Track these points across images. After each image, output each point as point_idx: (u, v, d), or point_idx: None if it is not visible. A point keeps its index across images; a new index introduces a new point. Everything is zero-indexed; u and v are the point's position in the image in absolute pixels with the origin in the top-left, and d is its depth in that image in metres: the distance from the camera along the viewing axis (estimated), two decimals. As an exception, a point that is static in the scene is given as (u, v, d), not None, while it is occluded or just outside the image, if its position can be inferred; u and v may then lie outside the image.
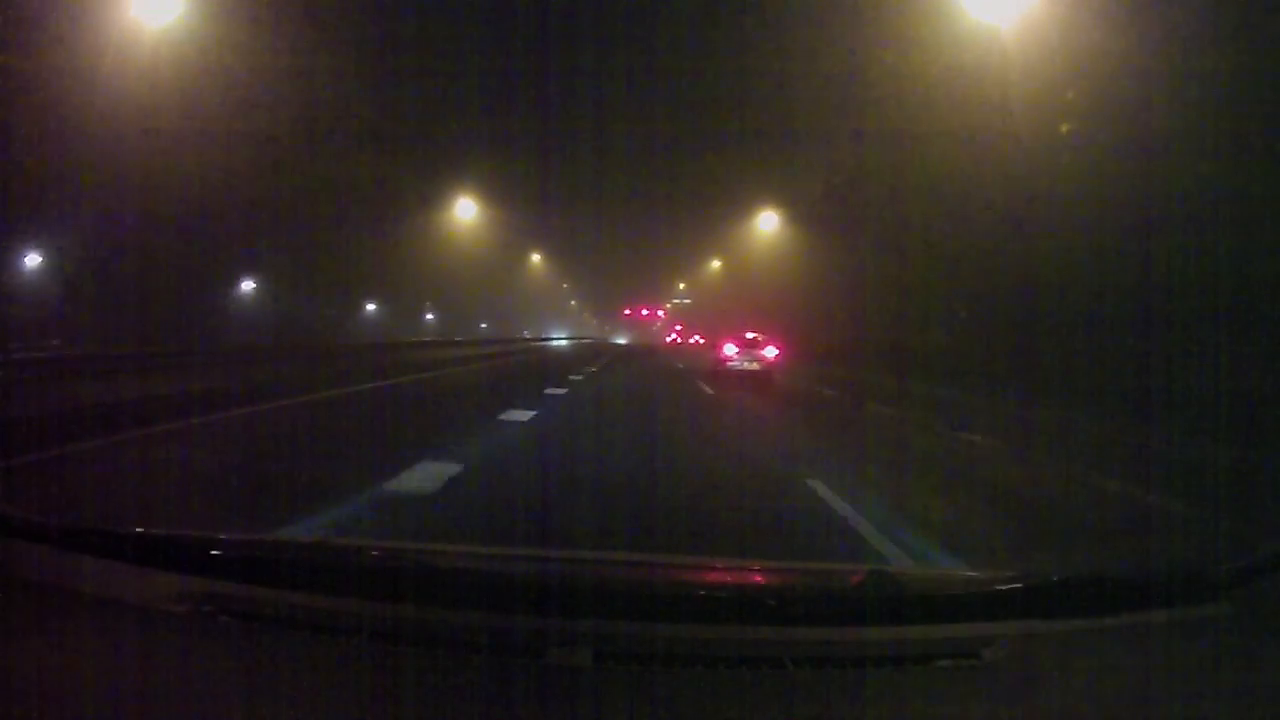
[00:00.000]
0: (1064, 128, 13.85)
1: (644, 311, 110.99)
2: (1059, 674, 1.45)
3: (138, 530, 1.87)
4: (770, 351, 22.20)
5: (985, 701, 1.39)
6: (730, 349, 22.35)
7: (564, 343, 69.00)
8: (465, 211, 47.67)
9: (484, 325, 72.44)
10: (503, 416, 10.31)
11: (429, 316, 61.78)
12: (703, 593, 1.73)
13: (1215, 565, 1.74)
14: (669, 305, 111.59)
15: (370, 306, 50.57)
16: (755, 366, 21.64)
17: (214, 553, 1.81)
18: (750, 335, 22.85)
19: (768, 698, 1.36)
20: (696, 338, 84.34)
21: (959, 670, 1.46)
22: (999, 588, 1.74)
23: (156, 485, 5.47)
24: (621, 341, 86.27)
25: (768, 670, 1.43)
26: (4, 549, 1.79)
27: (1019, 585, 1.72)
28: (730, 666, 1.43)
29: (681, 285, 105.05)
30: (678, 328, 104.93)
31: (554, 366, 24.72)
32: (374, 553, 2.05)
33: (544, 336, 77.03)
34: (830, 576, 2.09)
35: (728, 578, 1.98)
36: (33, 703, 1.30)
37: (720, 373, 21.68)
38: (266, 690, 1.35)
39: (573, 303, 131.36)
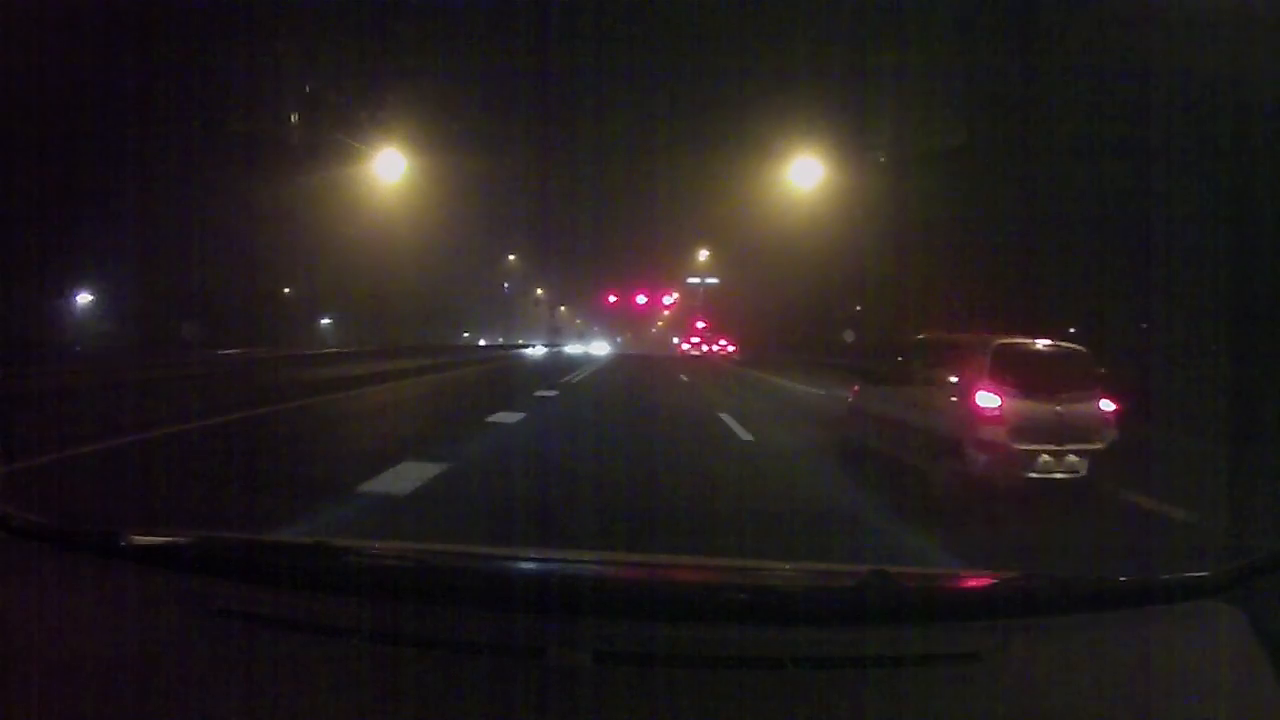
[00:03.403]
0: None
1: (640, 299, 69.83)
2: (1059, 674, 1.45)
3: (137, 530, 1.87)
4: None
5: (985, 701, 1.39)
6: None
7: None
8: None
9: (327, 321, 45.20)
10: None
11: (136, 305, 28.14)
12: (703, 593, 1.73)
13: (1215, 565, 1.74)
14: (677, 291, 71.48)
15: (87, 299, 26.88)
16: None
17: (214, 553, 1.81)
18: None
19: (768, 698, 1.36)
20: (723, 343, 57.11)
21: (959, 670, 1.46)
22: (999, 588, 1.73)
23: None
24: (594, 350, 51.22)
25: (768, 670, 1.43)
26: (4, 549, 1.79)
27: (1019, 585, 1.71)
28: (730, 666, 1.43)
29: (704, 255, 62.65)
30: (700, 326, 64.86)
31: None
32: (374, 553, 2.05)
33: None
34: (830, 576, 2.09)
35: (727, 578, 1.98)
36: (33, 702, 1.30)
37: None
38: (266, 690, 1.35)
39: (539, 291, 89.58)
